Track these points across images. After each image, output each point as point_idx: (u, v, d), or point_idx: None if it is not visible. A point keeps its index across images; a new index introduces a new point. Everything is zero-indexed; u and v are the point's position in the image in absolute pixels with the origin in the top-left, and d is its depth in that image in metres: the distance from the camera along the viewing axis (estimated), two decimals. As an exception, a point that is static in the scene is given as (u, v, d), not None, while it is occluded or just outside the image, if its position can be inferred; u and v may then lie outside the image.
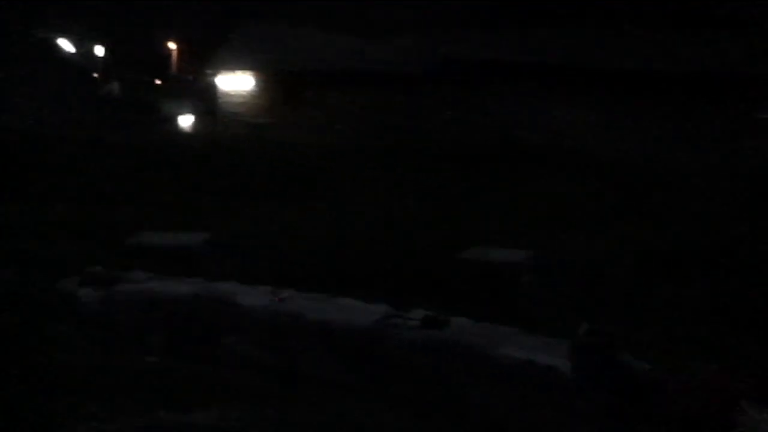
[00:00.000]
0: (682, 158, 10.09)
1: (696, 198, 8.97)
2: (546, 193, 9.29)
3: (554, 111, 11.28)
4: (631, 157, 10.11)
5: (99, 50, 14.54)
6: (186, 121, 13.60)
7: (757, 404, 3.09)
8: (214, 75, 14.25)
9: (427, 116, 11.73)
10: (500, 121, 11.31)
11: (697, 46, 11.97)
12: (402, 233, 8.23)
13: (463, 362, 5.31)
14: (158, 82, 15.04)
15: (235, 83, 13.75)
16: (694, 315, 6.84)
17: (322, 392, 5.56)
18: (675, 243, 8.03)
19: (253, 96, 13.50)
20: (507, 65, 12.09)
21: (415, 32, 13.06)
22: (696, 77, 11.45)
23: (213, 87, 14.11)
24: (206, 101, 13.93)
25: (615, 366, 3.41)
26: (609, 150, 10.41)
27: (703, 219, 8.47)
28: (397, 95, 12.08)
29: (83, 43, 14.52)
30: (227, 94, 13.61)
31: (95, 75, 14.52)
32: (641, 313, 6.52)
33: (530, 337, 5.42)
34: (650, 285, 7.31)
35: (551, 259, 7.45)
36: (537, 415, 4.89)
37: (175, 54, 15.30)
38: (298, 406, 5.34)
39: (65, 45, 14.46)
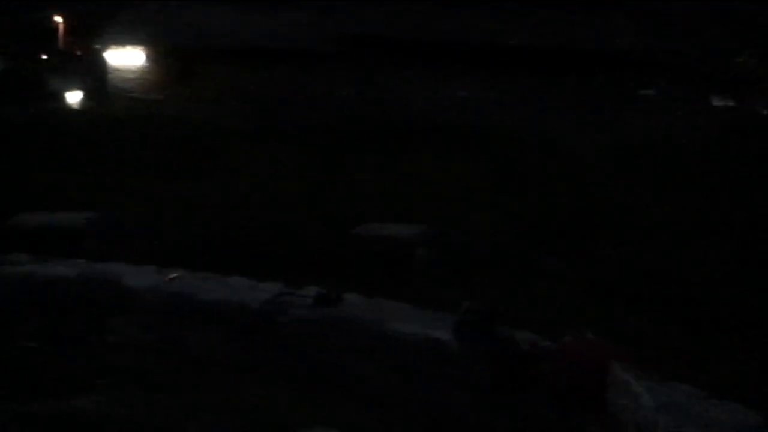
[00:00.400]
0: (570, 133, 10.30)
1: (583, 171, 9.17)
2: (439, 169, 9.34)
3: (449, 87, 11.36)
4: (521, 132, 10.25)
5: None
6: (73, 96, 13.11)
7: (629, 369, 3.18)
8: (104, 50, 13.80)
9: (323, 92, 11.63)
10: (396, 98, 11.30)
11: (586, 24, 12.23)
12: (295, 210, 8.14)
13: (355, 338, 5.27)
14: (44, 56, 14.48)
15: (125, 58, 13.34)
16: (578, 286, 7.02)
17: (213, 374, 5.44)
18: (563, 215, 8.20)
19: (144, 72, 13.12)
20: (403, 42, 12.09)
21: (312, 8, 12.93)
22: (585, 55, 11.70)
23: (102, 62, 13.67)
24: (95, 77, 13.48)
25: (495, 340, 3.43)
26: (499, 125, 10.54)
27: (589, 192, 8.67)
28: (293, 71, 11.92)
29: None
30: (117, 70, 13.18)
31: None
32: (529, 285, 6.63)
33: (421, 312, 5.42)
34: (538, 257, 7.45)
35: (444, 234, 7.49)
36: (426, 388, 4.90)
37: (61, 28, 14.74)
38: (187, 389, 5.20)
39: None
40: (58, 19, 14.53)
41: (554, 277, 7.05)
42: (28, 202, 8.05)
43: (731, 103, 12.04)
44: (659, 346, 5.68)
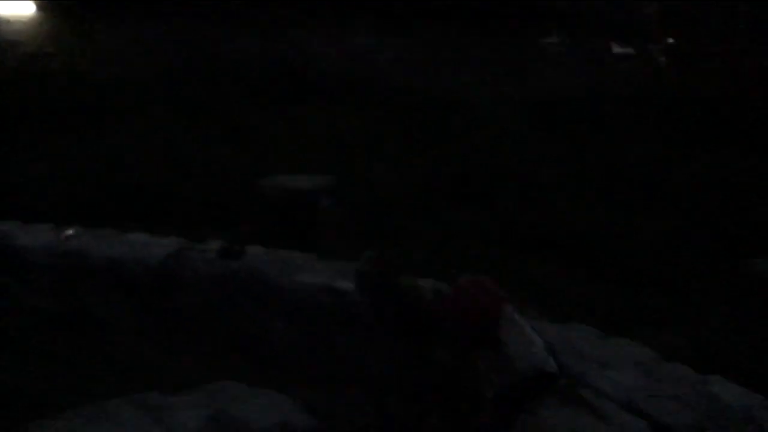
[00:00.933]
0: (473, 85, 10.34)
1: (486, 124, 9.23)
2: (343, 122, 9.26)
3: (353, 40, 11.22)
4: (421, 85, 10.24)
5: None
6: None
7: (524, 309, 3.23)
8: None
9: (226, 47, 11.33)
10: (300, 51, 11.11)
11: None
12: (196, 165, 7.96)
13: (259, 291, 5.21)
14: None
15: (15, 8, 12.72)
16: (481, 236, 7.10)
17: (113, 334, 5.30)
18: (468, 168, 8.26)
19: (35, 23, 12.54)
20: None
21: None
22: (484, 5, 11.68)
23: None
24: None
25: (398, 288, 3.39)
26: (403, 78, 10.50)
27: (492, 144, 8.74)
28: (196, 25, 11.57)
29: None
30: (5, 21, 12.55)
31: None
32: (433, 235, 6.66)
33: (327, 263, 5.39)
34: (442, 209, 7.50)
35: (347, 185, 7.44)
36: (330, 340, 4.89)
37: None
38: (87, 351, 5.05)
39: None
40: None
41: (458, 228, 7.11)
42: None
43: (631, 51, 12.27)
44: (558, 290, 5.82)
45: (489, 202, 7.42)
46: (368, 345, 4.74)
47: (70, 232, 5.90)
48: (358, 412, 3.68)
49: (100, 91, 9.82)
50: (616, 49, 12.25)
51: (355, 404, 4.17)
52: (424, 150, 8.57)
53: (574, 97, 10.08)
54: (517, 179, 8.10)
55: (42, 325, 5.26)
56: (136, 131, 8.56)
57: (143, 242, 5.82)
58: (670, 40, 12.20)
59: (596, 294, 5.77)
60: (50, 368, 4.73)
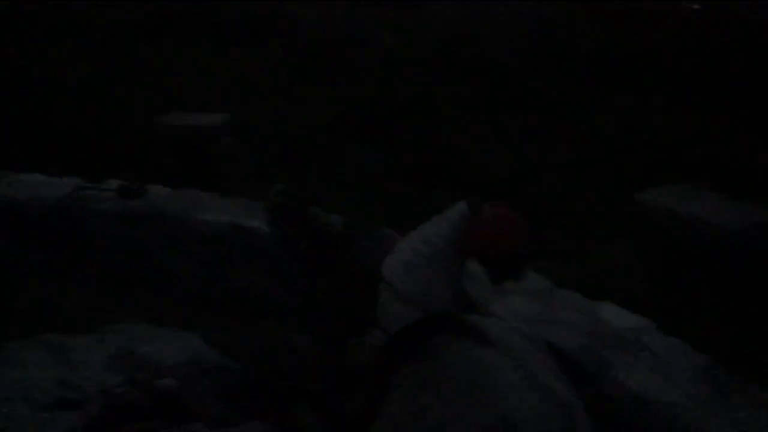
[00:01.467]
0: (378, 25, 10.29)
1: (390, 63, 9.23)
2: (245, 59, 9.11)
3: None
4: (328, 24, 10.12)
5: None
6: None
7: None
8: None
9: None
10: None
11: None
12: (93, 102, 7.72)
13: (162, 231, 5.15)
14: None
15: None
16: (385, 174, 7.18)
17: (11, 276, 5.17)
18: (371, 106, 8.28)
19: None
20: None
21: None
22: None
23: None
24: None
25: (308, 222, 3.41)
26: (307, 15, 10.35)
27: (396, 83, 8.76)
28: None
29: None
30: None
31: None
32: (337, 171, 6.70)
33: (231, 201, 5.36)
34: (345, 147, 7.52)
35: (250, 123, 7.37)
36: (238, 277, 4.90)
37: None
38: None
39: None
40: None
41: (361, 165, 7.16)
42: None
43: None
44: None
45: (391, 140, 7.47)
46: (275, 280, 4.79)
47: (-40, 173, 5.68)
48: (266, 347, 3.72)
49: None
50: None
51: (263, 338, 4.22)
52: (328, 88, 8.52)
53: (472, 35, 10.15)
54: (420, 117, 8.17)
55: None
56: (30, 68, 8.20)
57: (40, 182, 5.66)
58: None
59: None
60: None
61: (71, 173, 5.76)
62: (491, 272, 3.18)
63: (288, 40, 9.61)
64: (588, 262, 5.43)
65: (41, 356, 3.75)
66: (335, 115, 8.04)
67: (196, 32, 9.66)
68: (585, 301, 3.90)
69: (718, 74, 8.60)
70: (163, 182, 5.61)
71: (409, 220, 3.44)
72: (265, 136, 7.37)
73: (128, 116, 7.57)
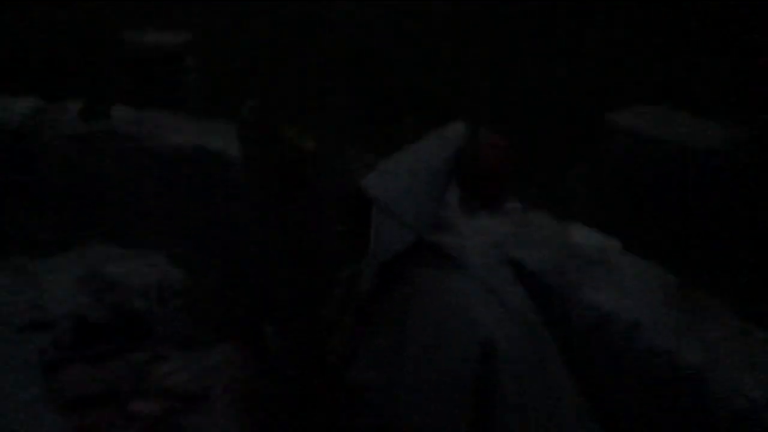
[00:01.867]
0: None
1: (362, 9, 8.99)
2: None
3: None
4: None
5: None
6: None
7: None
8: None
9: None
10: None
11: None
12: (52, 18, 7.48)
13: (128, 153, 5.07)
14: None
15: None
16: (347, 101, 7.09)
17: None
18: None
19: None
20: None
21: None
22: None
23: None
24: None
25: (280, 140, 3.33)
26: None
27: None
28: None
29: None
30: None
31: None
32: (302, 93, 6.59)
33: (194, 122, 5.27)
34: (309, 66, 7.39)
35: (214, 43, 7.20)
36: (205, 201, 4.86)
37: None
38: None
39: None
40: None
41: (330, 88, 7.06)
42: None
43: None
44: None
45: (353, 70, 7.33)
46: (244, 203, 4.75)
47: None
48: (236, 269, 3.71)
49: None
50: None
51: (233, 261, 4.22)
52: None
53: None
54: (382, 50, 8.04)
55: None
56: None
57: (-3, 103, 5.51)
58: None
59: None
60: None
61: (30, 94, 5.61)
62: (470, 197, 3.08)
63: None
64: (557, 184, 5.45)
65: (9, 279, 3.74)
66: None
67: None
68: (554, 223, 3.91)
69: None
70: (126, 103, 5.49)
71: (379, 145, 3.40)
72: (230, 57, 7.22)
73: (91, 33, 7.35)
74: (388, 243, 2.88)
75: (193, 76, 6.70)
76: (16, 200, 5.10)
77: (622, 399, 3.11)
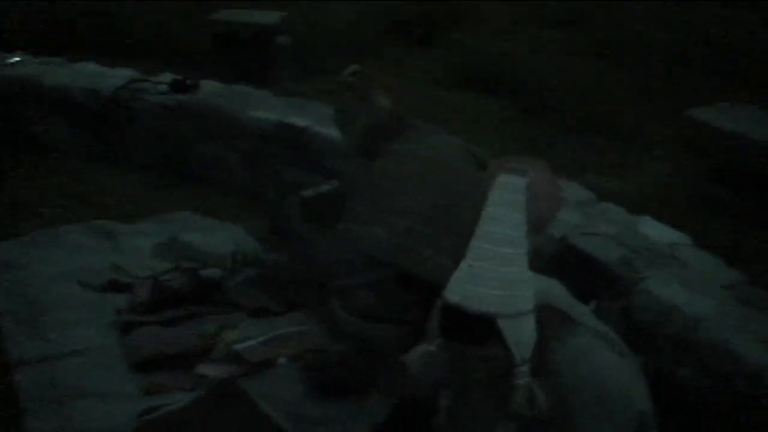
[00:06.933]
0: None
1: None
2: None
3: None
4: None
5: None
6: None
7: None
8: None
9: None
10: None
11: None
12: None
13: (212, 126, 5.23)
14: None
15: None
16: (435, 74, 7.08)
17: (62, 162, 5.33)
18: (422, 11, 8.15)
19: None
20: None
21: None
22: None
23: None
24: None
25: (368, 101, 3.26)
26: None
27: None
28: None
29: None
30: None
31: None
32: (389, 72, 6.64)
33: (282, 99, 5.40)
34: (390, 50, 7.45)
35: (299, 23, 7.31)
36: (288, 176, 4.97)
37: None
38: (34, 177, 5.10)
39: None
40: None
41: (405, 68, 7.12)
42: None
43: None
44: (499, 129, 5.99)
45: (441, 42, 7.36)
46: (322, 178, 4.85)
47: (15, 59, 5.79)
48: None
49: None
50: None
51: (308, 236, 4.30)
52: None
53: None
54: (464, 24, 8.03)
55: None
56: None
57: (94, 72, 5.76)
58: None
59: (540, 139, 5.92)
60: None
61: (125, 65, 5.85)
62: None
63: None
64: (631, 177, 5.40)
65: (93, 241, 3.90)
66: (383, 19, 7.93)
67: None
68: (625, 215, 3.91)
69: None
70: (215, 77, 5.67)
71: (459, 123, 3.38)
72: (321, 37, 7.33)
73: (185, 11, 7.57)
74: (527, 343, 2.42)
75: (284, 54, 6.83)
76: (107, 166, 5.33)
77: (681, 393, 3.10)
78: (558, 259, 3.57)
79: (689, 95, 6.22)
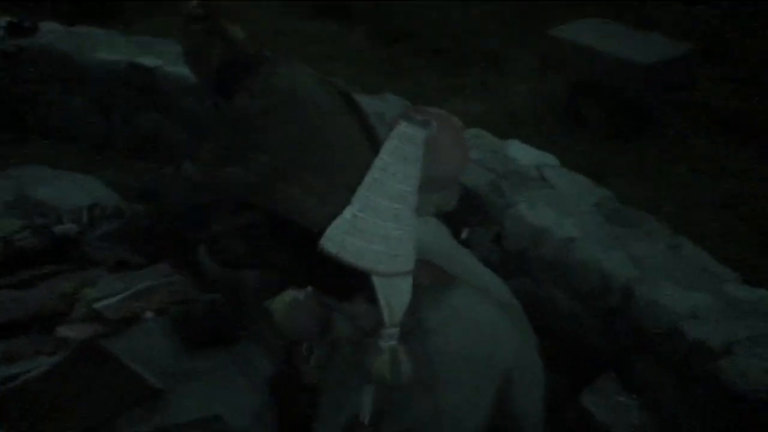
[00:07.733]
0: None
1: None
2: None
3: None
4: None
5: None
6: None
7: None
8: None
9: None
10: None
11: None
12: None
13: (57, 71, 4.89)
14: None
15: None
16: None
17: None
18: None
19: None
20: None
21: None
22: None
23: None
24: None
25: (221, 35, 3.06)
26: None
27: None
28: None
29: None
30: None
31: None
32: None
33: (129, 39, 5.10)
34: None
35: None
36: (137, 119, 4.73)
37: None
38: None
39: None
40: None
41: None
42: None
43: None
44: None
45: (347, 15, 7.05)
46: (178, 122, 4.64)
47: None
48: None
49: None
50: None
51: (167, 183, 4.11)
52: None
53: None
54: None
55: None
56: None
57: None
58: None
59: (401, 65, 5.83)
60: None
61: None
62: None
63: None
64: (497, 100, 5.40)
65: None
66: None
67: None
68: (492, 139, 3.88)
69: None
70: (57, 19, 5.28)
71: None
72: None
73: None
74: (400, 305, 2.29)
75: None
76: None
77: (557, 311, 3.14)
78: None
79: (552, 18, 6.24)
